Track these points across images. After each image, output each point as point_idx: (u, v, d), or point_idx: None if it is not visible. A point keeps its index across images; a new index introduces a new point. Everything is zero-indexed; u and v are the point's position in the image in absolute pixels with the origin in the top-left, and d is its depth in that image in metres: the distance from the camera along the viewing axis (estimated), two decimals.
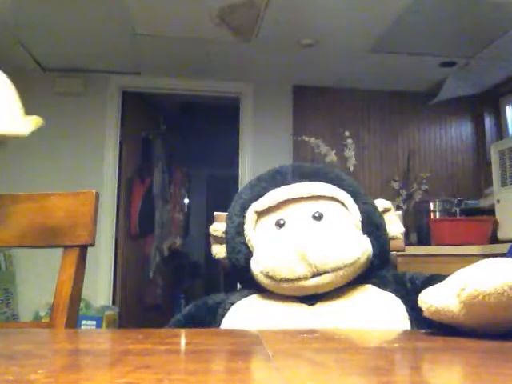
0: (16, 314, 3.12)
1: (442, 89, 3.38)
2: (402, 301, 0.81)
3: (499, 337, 0.54)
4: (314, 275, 0.79)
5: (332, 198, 0.88)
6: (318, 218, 0.86)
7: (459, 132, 3.70)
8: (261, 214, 0.89)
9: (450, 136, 3.69)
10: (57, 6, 2.53)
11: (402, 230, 0.95)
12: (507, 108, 3.48)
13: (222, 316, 0.86)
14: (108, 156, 3.43)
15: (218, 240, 0.96)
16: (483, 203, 3.12)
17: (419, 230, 3.19)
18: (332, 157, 3.43)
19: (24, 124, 0.53)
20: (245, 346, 0.58)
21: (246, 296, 0.87)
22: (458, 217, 3.07)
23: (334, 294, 0.82)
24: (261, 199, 0.89)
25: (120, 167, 3.54)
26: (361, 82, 3.49)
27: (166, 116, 4.52)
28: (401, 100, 3.63)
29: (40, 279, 3.03)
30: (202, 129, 4.88)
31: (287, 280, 0.79)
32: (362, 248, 0.81)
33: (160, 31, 2.83)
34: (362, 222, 0.87)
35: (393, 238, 0.93)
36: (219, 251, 0.96)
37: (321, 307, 0.81)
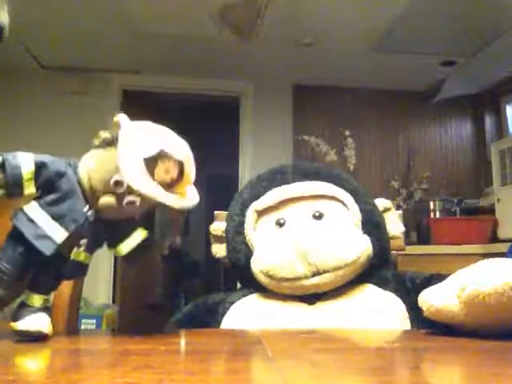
0: None
1: (442, 88, 3.38)
2: (402, 300, 0.81)
3: (499, 337, 0.54)
4: (314, 274, 0.78)
5: (332, 198, 0.88)
6: (319, 217, 0.86)
7: (459, 131, 3.69)
8: (261, 213, 0.89)
9: (450, 135, 3.68)
10: (57, 5, 2.53)
11: (402, 229, 0.95)
12: (507, 107, 3.48)
13: (222, 315, 0.85)
14: None
15: (218, 239, 0.96)
16: (483, 202, 3.11)
17: (419, 230, 3.19)
18: (332, 156, 3.43)
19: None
20: (245, 345, 0.58)
21: (246, 295, 0.87)
22: (458, 216, 3.07)
23: (334, 294, 0.82)
24: (261, 198, 0.89)
25: None
26: (361, 81, 3.49)
27: (167, 115, 4.51)
28: (401, 99, 3.62)
29: None
30: (202, 128, 4.87)
31: (287, 279, 0.79)
32: (362, 247, 0.81)
33: (160, 30, 2.83)
34: (363, 222, 0.87)
35: (393, 238, 0.93)
36: (219, 250, 0.96)
37: (321, 306, 0.81)
